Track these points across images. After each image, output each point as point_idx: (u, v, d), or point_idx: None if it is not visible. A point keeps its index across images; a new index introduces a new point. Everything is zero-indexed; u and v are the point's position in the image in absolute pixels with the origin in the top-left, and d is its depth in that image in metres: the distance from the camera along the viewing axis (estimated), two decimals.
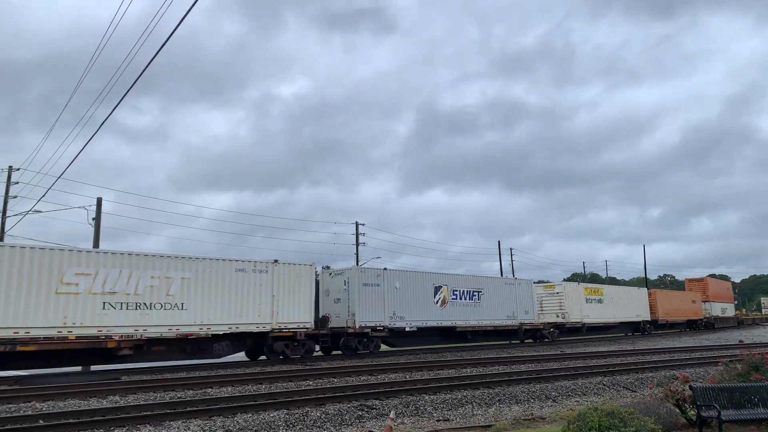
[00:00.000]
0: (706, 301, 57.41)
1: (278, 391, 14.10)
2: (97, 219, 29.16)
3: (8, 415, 11.07)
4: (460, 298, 31.13)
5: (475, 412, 12.11)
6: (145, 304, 20.08)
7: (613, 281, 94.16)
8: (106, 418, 10.49)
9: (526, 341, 36.12)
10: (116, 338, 19.30)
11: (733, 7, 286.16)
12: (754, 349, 15.76)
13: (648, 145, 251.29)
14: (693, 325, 55.04)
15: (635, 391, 15.07)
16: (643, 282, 73.11)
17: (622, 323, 44.42)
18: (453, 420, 11.38)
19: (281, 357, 23.54)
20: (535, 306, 36.46)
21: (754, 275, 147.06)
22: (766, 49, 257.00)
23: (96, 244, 28.55)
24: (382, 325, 26.81)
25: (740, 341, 35.16)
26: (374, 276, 27.14)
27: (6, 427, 9.64)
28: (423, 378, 16.86)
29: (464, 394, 13.66)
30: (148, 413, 10.98)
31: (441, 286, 30.15)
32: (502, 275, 49.27)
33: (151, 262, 20.59)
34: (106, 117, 13.00)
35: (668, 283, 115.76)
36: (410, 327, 28.51)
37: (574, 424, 7.35)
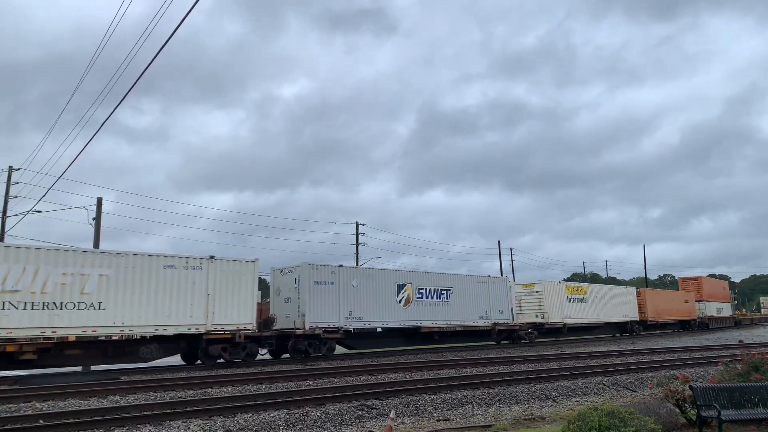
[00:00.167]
0: (701, 301, 56.37)
1: (278, 391, 14.12)
2: (98, 219, 29.22)
3: (8, 415, 11.08)
4: (427, 297, 29.44)
5: (475, 412, 12.12)
6: (54, 303, 18.21)
7: (613, 281, 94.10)
8: (106, 418, 10.50)
9: (502, 342, 34.52)
10: (18, 341, 17.52)
11: (734, 8, 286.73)
12: (753, 349, 15.74)
13: (648, 146, 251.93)
14: (686, 326, 53.76)
15: (635, 391, 15.07)
16: (644, 282, 73.17)
17: (607, 324, 42.22)
18: (453, 420, 11.38)
19: (220, 361, 21.96)
20: (512, 305, 34.59)
21: (754, 275, 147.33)
22: (767, 50, 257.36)
23: (96, 244, 28.60)
24: (336, 326, 25.10)
25: (740, 341, 35.12)
26: (328, 273, 25.36)
27: (6, 427, 9.64)
28: (423, 378, 16.89)
29: (464, 393, 13.68)
30: (149, 413, 10.99)
31: (405, 285, 28.53)
32: (502, 275, 48.98)
33: (63, 258, 18.70)
34: (107, 117, 13.02)
35: (668, 283, 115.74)
36: (368, 327, 26.83)
37: (574, 424, 7.36)
